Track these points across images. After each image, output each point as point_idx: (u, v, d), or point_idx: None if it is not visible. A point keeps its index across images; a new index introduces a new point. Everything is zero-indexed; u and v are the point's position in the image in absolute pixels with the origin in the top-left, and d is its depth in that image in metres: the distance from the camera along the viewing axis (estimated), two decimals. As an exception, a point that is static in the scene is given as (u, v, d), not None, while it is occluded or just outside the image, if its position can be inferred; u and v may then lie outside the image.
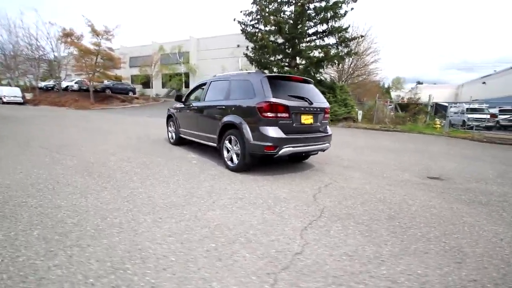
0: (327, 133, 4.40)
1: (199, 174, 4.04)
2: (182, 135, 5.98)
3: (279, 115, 3.75)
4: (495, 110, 19.93)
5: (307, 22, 17.82)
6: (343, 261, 1.94)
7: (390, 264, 1.93)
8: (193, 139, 5.52)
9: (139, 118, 14.75)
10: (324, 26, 18.10)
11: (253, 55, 19.40)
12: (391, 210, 2.95)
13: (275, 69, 19.21)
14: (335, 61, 17.79)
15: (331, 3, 17.28)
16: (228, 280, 1.67)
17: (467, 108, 18.05)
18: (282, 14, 18.30)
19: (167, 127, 6.72)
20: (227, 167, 4.32)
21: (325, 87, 17.67)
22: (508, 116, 15.17)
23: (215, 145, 4.71)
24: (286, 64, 19.00)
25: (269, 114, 3.72)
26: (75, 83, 25.92)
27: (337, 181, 3.98)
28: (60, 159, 4.51)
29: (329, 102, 15.63)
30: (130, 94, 27.34)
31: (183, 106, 5.91)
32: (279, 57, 19.60)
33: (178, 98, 5.92)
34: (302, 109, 4.00)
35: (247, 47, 19.75)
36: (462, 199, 3.45)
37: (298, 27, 17.70)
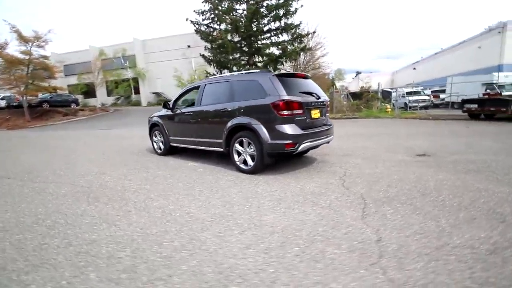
0: (330, 125, 4.60)
1: (217, 181, 3.86)
2: (173, 144, 5.61)
3: (294, 112, 3.79)
4: (428, 92, 23.01)
5: (262, 19, 18.10)
6: (421, 239, 2.08)
7: (457, 234, 2.14)
8: (189, 146, 5.23)
9: (96, 131, 13.28)
10: (278, 24, 18.61)
11: (211, 55, 18.98)
12: (416, 188, 3.24)
13: (234, 68, 19.14)
14: (293, 57, 18.48)
15: (282, 0, 17.81)
16: (343, 279, 1.67)
17: (406, 92, 20.56)
18: (234, 12, 18.24)
19: (151, 138, 6.22)
20: (241, 170, 4.21)
21: None
22: (446, 95, 17.47)
23: (220, 149, 4.54)
24: (245, 62, 19.03)
25: (286, 112, 3.74)
26: (1, 99, 22.05)
27: (349, 170, 4.20)
28: (43, 188, 3.84)
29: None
30: (73, 106, 24.36)
31: (170, 113, 5.53)
32: (237, 55, 19.58)
33: (166, 106, 5.53)
34: (312, 104, 4.11)
35: (205, 47, 19.21)
36: (458, 170, 3.97)
37: (254, 25, 17.87)
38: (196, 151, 6.03)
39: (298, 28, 18.81)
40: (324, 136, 4.33)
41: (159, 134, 5.95)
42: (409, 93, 20.37)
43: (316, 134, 4.10)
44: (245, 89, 4.22)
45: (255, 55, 19.09)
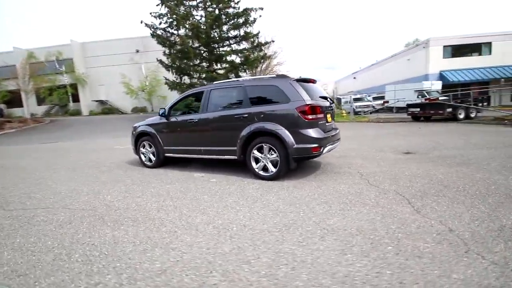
0: (337, 129, 4.82)
1: (243, 190, 3.66)
2: (169, 155, 5.14)
3: (318, 116, 3.87)
4: (370, 98, 25.83)
5: (222, 26, 18.09)
6: (481, 224, 2.32)
7: (503, 215, 2.46)
8: (191, 156, 4.86)
9: (41, 145, 11.30)
10: (237, 32, 18.84)
11: (169, 60, 18.10)
12: (432, 181, 3.61)
13: (195, 75, 18.65)
14: (254, 65, 18.85)
15: (241, 10, 18.12)
16: (456, 269, 1.74)
17: (354, 98, 22.81)
18: (192, 18, 17.86)
19: (137, 149, 5.59)
20: (260, 177, 4.09)
21: None
22: (394, 101, 19.71)
23: (233, 157, 4.34)
24: (206, 69, 18.67)
25: (311, 116, 3.79)
26: None
27: (360, 169, 4.45)
28: (29, 217, 3.10)
29: (188, 106, 16.55)
30: (-5, 117, 20.35)
31: (165, 121, 5.08)
32: (197, 61, 19.12)
33: (163, 114, 5.06)
34: (328, 108, 4.26)
35: (164, 52, 18.23)
36: (450, 164, 4.55)
37: (215, 31, 17.74)
38: (196, 161, 5.67)
39: (257, 37, 19.34)
40: (337, 140, 4.51)
41: (149, 144, 5.39)
42: (356, 99, 22.70)
43: (332, 137, 4.25)
44: (263, 94, 4.15)
45: (217, 62, 18.94)
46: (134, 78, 28.97)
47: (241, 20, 18.16)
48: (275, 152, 3.95)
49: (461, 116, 12.49)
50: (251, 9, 18.14)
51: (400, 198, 3.06)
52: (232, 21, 18.12)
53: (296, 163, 4.03)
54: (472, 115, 12.71)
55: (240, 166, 5.01)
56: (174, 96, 26.43)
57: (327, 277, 1.75)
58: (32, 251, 2.31)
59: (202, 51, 18.74)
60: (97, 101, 31.45)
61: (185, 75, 18.84)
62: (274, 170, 4.00)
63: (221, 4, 17.43)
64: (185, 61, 17.73)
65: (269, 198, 3.29)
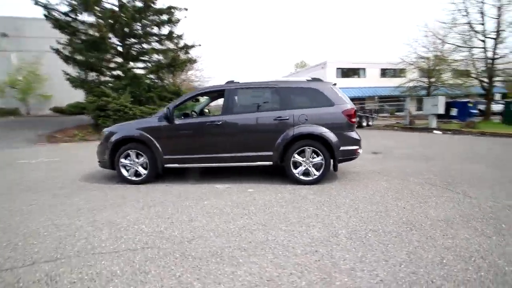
0: None
1: (304, 198, 3.38)
2: (172, 165, 4.12)
3: (356, 119, 4.06)
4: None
5: (143, 20, 16.02)
6: (522, 202, 3.07)
7: (522, 196, 3.33)
8: (207, 165, 4.09)
9: None
10: (160, 30, 17.17)
11: (72, 52, 14.47)
12: (442, 173, 4.38)
13: (108, 72, 15.75)
14: (182, 67, 17.57)
15: (165, 7, 16.69)
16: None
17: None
18: (101, 4, 15.02)
19: (117, 161, 4.20)
20: (301, 182, 3.89)
21: (170, 92, 17.05)
22: None
23: (268, 163, 3.96)
24: (126, 67, 15.97)
25: (354, 119, 3.93)
26: None
27: (366, 166, 4.95)
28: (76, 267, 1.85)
29: (180, 109, 15.55)
30: None
31: (168, 124, 4.07)
32: (108, 56, 16.13)
33: (166, 117, 4.00)
34: (354, 112, 4.53)
35: (69, 40, 14.42)
36: (426, 160, 5.69)
37: (137, 24, 15.52)
38: (203, 170, 4.80)
39: (181, 38, 18.20)
40: None
41: (136, 154, 4.16)
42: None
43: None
44: (301, 96, 3.98)
45: (135, 60, 16.56)
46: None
47: (165, 18, 16.63)
48: (318, 156, 3.87)
49: (364, 124, 15.70)
50: (176, 8, 16.94)
51: (441, 187, 3.62)
52: (155, 17, 16.34)
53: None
54: (370, 123, 16.21)
55: (255, 172, 4.62)
56: (68, 95, 21.21)
57: None
58: None
59: (116, 46, 15.94)
60: None
61: (92, 70, 15.48)
62: (317, 174, 3.90)
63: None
64: (95, 53, 14.56)
65: (334, 203, 3.19)
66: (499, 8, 12.04)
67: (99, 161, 4.44)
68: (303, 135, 3.84)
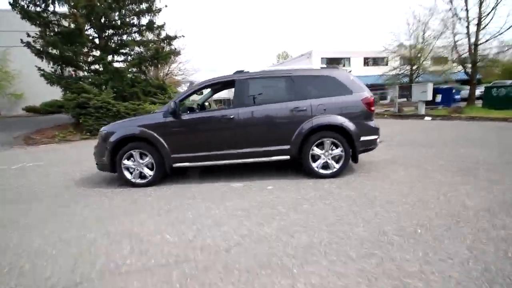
0: None
1: (322, 197, 3.21)
2: (181, 164, 3.80)
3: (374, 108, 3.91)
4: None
5: (122, 10, 15.05)
6: None
7: None
8: (220, 162, 3.80)
9: None
10: (142, 20, 16.24)
11: (45, 45, 13.34)
12: (451, 160, 4.38)
13: (86, 67, 14.79)
14: (167, 60, 16.77)
15: (145, -6, 15.73)
16: None
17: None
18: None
19: (119, 163, 3.81)
20: (321, 176, 3.72)
21: (154, 87, 16.32)
22: None
23: (285, 157, 3.74)
24: (105, 60, 15.01)
25: (373, 108, 3.78)
26: None
27: (378, 157, 4.87)
28: None
29: (165, 103, 14.94)
30: None
31: (174, 120, 3.72)
32: (85, 49, 15.08)
33: (173, 112, 3.64)
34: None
35: (40, 33, 13.28)
36: (425, 147, 5.70)
37: (116, 14, 14.54)
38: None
39: (163, 29, 17.33)
40: None
41: (140, 154, 3.80)
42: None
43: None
44: (317, 85, 3.75)
45: (117, 52, 15.62)
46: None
47: (144, 6, 15.69)
48: (337, 147, 3.71)
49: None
50: (155, -4, 16.02)
51: (465, 175, 3.58)
52: (134, 6, 15.37)
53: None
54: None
55: (265, 167, 4.39)
56: (41, 93, 19.62)
57: None
58: None
59: (93, 38, 14.90)
60: None
61: (68, 65, 14.41)
62: (337, 166, 3.74)
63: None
64: (71, 47, 13.50)
65: (378, 195, 3.05)
66: (481, -6, 12.32)
67: (97, 163, 4.03)
68: (322, 126, 3.64)
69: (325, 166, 3.77)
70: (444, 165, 4.06)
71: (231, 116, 3.68)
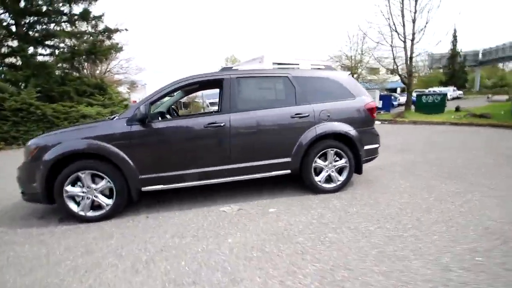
0: None
1: (341, 219, 2.75)
2: (152, 187, 2.85)
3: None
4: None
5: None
6: None
7: None
8: (205, 182, 2.99)
9: None
10: (75, 9, 13.87)
11: None
12: (438, 168, 4.38)
13: (6, 60, 11.96)
14: (106, 55, 14.59)
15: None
16: None
17: (209, 102, 23.49)
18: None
19: (59, 190, 2.68)
20: (323, 191, 3.25)
21: (91, 86, 14.11)
22: None
23: (285, 172, 3.16)
24: (20, 51, 12.25)
25: (375, 114, 3.47)
26: None
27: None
28: None
29: (104, 105, 13.12)
30: None
31: (143, 129, 2.79)
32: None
33: (142, 118, 2.69)
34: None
35: None
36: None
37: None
38: (180, 191, 3.58)
39: (101, 20, 15.13)
40: None
41: (92, 177, 2.74)
42: (211, 104, 23.59)
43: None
44: (317, 88, 3.28)
45: (41, 44, 12.95)
46: None
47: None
48: (341, 158, 3.29)
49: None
50: (91, -18, 13.86)
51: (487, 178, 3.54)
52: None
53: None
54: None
55: (250, 183, 3.71)
56: None
57: None
58: None
59: (8, 24, 12.03)
60: None
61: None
62: (341, 179, 3.32)
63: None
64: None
65: (397, 211, 2.70)
66: (415, 13, 13.92)
67: (23, 192, 2.81)
68: (328, 135, 3.18)
69: (328, 179, 3.31)
70: (438, 172, 3.97)
71: (222, 124, 2.92)
